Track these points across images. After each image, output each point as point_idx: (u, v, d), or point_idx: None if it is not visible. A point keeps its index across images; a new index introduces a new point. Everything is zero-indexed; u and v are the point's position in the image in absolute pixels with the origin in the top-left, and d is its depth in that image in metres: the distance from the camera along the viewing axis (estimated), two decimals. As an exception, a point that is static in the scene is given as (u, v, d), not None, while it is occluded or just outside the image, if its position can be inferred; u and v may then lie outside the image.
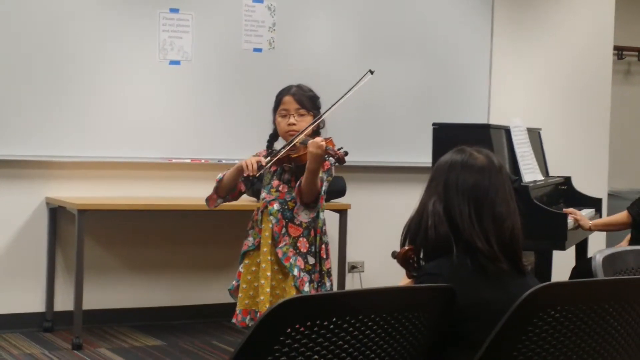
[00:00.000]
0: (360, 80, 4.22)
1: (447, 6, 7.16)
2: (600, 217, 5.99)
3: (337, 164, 4.06)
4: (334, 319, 1.97)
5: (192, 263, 6.51)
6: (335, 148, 3.98)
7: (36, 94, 5.89)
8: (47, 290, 6.07)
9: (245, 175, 4.07)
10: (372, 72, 4.19)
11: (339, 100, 4.17)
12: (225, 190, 4.23)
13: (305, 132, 4.13)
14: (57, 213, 6.05)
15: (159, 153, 6.24)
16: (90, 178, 6.14)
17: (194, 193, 6.25)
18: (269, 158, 4.13)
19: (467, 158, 2.59)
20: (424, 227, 2.53)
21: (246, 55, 6.45)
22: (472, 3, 7.28)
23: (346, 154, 3.97)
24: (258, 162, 4.06)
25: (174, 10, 6.23)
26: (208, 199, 4.28)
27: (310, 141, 3.98)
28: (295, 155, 4.10)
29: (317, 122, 4.20)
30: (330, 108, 4.17)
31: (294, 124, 4.20)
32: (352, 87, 4.22)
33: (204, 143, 6.35)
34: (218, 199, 4.25)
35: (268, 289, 4.11)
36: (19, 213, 6.03)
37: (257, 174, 4.05)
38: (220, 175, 4.24)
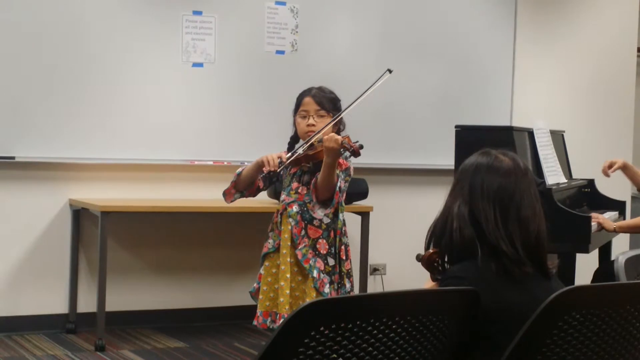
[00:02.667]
0: (379, 79, 4.22)
1: (470, 7, 7.15)
2: (624, 220, 5.95)
3: (352, 157, 4.05)
4: (358, 322, 1.97)
5: (215, 265, 6.52)
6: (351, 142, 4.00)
7: (59, 96, 5.91)
8: (70, 292, 6.10)
9: (264, 171, 4.08)
10: (390, 71, 4.20)
11: (357, 98, 4.19)
12: (244, 185, 4.25)
13: (323, 131, 4.14)
14: (80, 215, 6.08)
15: (182, 155, 6.26)
16: (113, 180, 6.16)
17: (216, 195, 6.22)
18: (289, 154, 4.15)
19: (492, 161, 2.58)
20: (449, 230, 2.52)
21: (269, 57, 6.46)
22: (495, 4, 7.26)
23: (361, 147, 3.97)
24: (279, 158, 4.09)
25: (197, 13, 6.25)
26: (225, 193, 4.29)
27: (327, 136, 4.00)
28: (312, 152, 4.11)
29: (337, 123, 4.22)
30: (349, 106, 4.19)
31: (313, 125, 4.21)
32: (371, 85, 4.23)
33: (226, 145, 6.36)
34: (236, 193, 4.27)
35: (288, 291, 4.12)
36: (43, 215, 6.06)
37: (279, 169, 4.08)
38: (239, 169, 4.26)
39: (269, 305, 4.22)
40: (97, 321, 5.67)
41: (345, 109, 4.20)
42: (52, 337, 5.91)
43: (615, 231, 5.31)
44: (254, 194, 4.33)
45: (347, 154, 4.03)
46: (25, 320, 6.01)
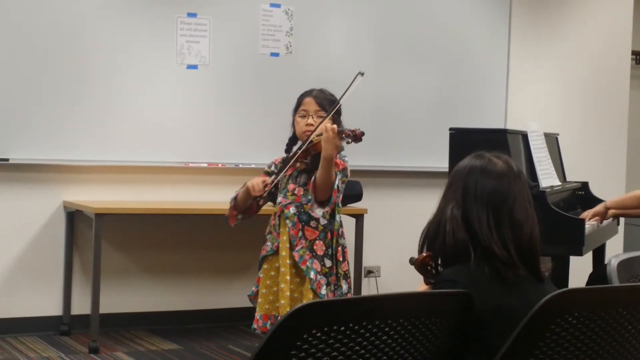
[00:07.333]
0: (352, 82, 4.21)
1: (464, 10, 7.15)
2: (618, 223, 5.93)
3: (353, 142, 4.02)
4: (351, 324, 1.97)
5: (209, 267, 6.51)
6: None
7: (54, 98, 5.91)
8: (64, 294, 6.09)
9: (252, 196, 4.15)
10: (362, 74, 4.19)
11: (335, 105, 4.18)
12: (241, 209, 4.26)
13: (316, 132, 4.14)
14: (74, 217, 6.07)
15: (176, 157, 6.25)
16: (107, 182, 6.15)
17: (211, 197, 6.27)
18: (273, 177, 4.19)
19: (486, 163, 2.58)
20: (442, 233, 2.52)
21: (263, 59, 6.45)
22: (490, 7, 7.27)
23: (363, 133, 3.97)
24: (263, 182, 4.16)
25: (191, 15, 6.24)
26: (228, 217, 4.30)
27: (324, 127, 4.00)
28: (310, 146, 4.11)
29: (334, 122, 4.21)
30: (329, 113, 4.17)
31: (312, 125, 4.21)
32: (346, 90, 4.21)
33: (220, 147, 6.36)
34: (238, 214, 4.27)
35: (288, 293, 4.12)
36: (37, 217, 6.05)
37: (265, 194, 4.14)
38: (233, 194, 4.28)
39: (269, 308, 4.22)
40: (91, 323, 5.66)
41: (327, 115, 4.18)
42: (46, 339, 5.90)
43: (607, 208, 5.28)
44: (257, 211, 4.33)
45: (349, 139, 4.01)
46: (19, 322, 5.99)
